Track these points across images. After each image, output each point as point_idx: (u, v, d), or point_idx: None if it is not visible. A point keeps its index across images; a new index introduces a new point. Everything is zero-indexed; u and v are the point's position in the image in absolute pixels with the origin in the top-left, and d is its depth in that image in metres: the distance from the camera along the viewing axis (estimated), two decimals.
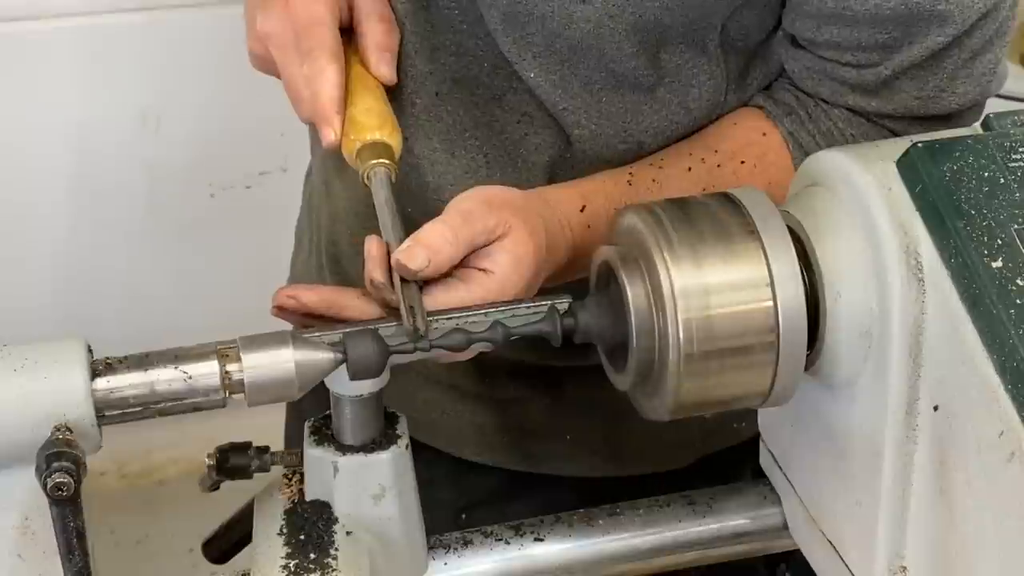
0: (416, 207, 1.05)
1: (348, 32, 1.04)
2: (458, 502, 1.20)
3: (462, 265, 0.90)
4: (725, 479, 1.06)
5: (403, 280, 0.87)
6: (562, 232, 0.97)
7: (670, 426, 1.18)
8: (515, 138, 1.07)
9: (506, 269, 0.90)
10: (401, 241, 0.90)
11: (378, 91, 1.02)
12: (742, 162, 1.04)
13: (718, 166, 1.04)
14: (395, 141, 0.99)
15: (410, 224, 0.91)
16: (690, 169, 1.04)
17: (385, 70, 1.03)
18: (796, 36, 1.05)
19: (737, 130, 1.07)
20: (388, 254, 0.89)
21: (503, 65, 1.05)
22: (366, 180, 0.97)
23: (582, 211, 0.99)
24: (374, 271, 0.89)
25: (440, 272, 0.88)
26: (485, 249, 0.90)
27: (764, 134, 1.06)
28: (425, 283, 0.89)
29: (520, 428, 1.22)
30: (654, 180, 1.03)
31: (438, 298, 0.88)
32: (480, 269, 0.90)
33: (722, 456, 1.24)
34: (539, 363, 1.17)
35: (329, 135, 0.98)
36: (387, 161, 0.97)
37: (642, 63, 1.02)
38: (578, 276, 0.98)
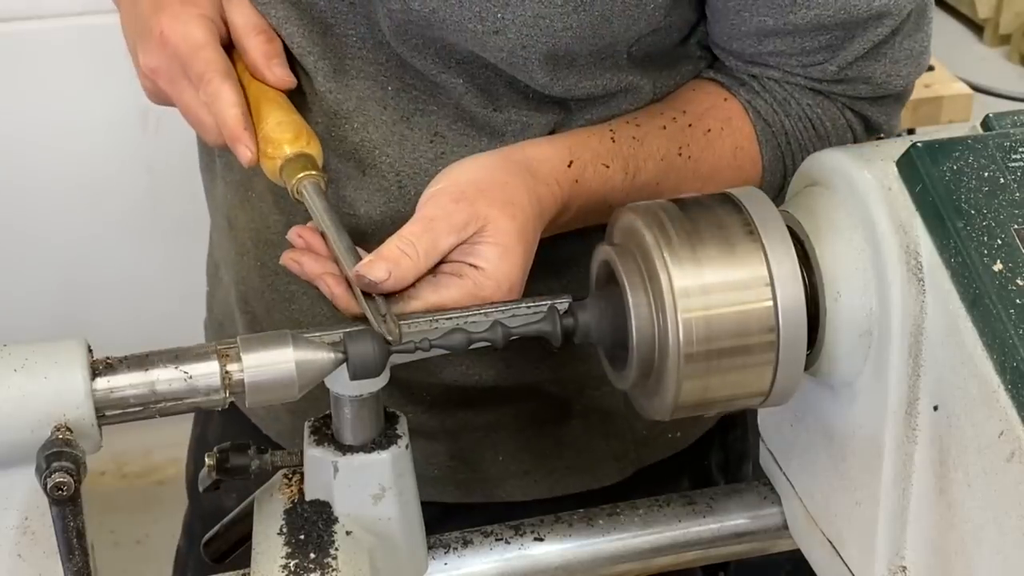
0: None
1: (231, 51, 1.03)
2: None
3: (453, 261, 0.90)
4: (663, 490, 1.04)
5: (366, 294, 0.88)
6: (550, 192, 0.96)
7: (603, 439, 1.17)
8: (429, 157, 1.05)
9: (495, 262, 0.90)
10: (349, 248, 0.91)
11: (284, 102, 1.01)
12: (709, 129, 1.04)
13: (689, 125, 1.04)
14: (315, 150, 0.98)
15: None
16: (664, 127, 1.03)
17: (279, 71, 1.01)
18: (734, 53, 1.05)
19: (698, 95, 1.06)
20: (346, 276, 0.90)
21: (407, 89, 1.04)
22: (296, 195, 0.96)
23: (569, 166, 0.98)
24: (349, 306, 0.90)
25: (404, 283, 0.88)
26: (469, 247, 0.90)
27: (725, 99, 1.06)
28: (414, 285, 0.89)
29: (452, 457, 1.17)
30: (634, 137, 1.02)
31: (428, 299, 0.89)
32: (470, 265, 0.90)
33: (659, 467, 1.21)
34: (463, 384, 1.13)
35: (245, 153, 0.97)
36: (313, 172, 0.96)
37: (558, 89, 1.01)
38: (570, 228, 0.99)
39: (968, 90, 1.96)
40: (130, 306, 2.44)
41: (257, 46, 1.02)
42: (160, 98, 1.05)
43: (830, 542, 0.93)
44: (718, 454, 1.27)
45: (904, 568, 0.86)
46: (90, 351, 0.82)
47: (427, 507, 1.12)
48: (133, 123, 2.32)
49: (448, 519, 1.02)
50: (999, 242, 0.79)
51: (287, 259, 0.94)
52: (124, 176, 2.36)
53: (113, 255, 2.43)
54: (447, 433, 1.16)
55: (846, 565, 0.91)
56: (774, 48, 1.02)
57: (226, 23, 1.03)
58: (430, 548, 0.96)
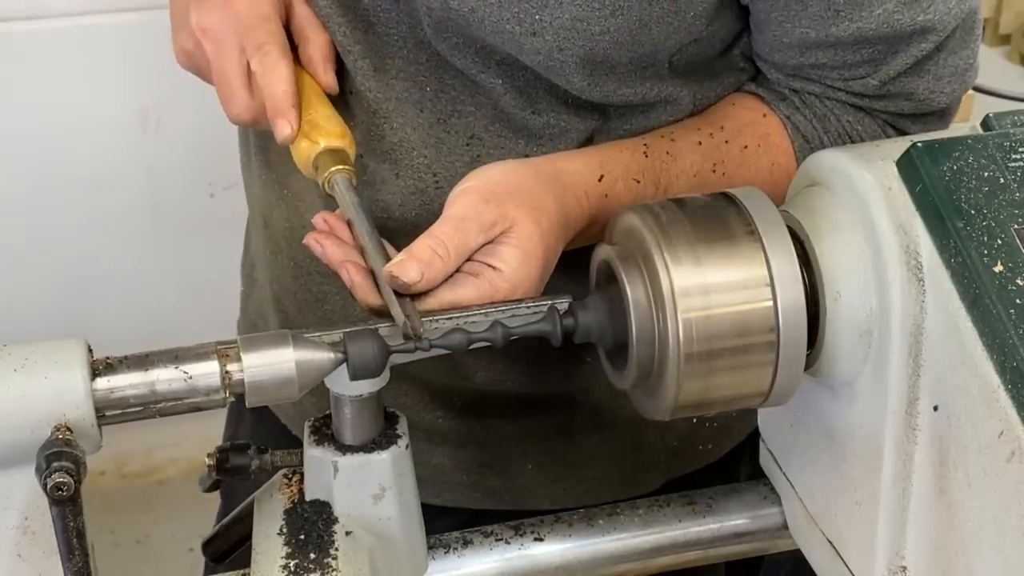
0: None
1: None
2: None
3: (472, 260, 0.90)
4: None
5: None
6: (578, 205, 0.96)
7: (633, 450, 1.17)
8: (466, 160, 1.05)
9: (515, 266, 0.90)
10: (376, 242, 0.91)
11: (327, 98, 1.02)
12: (745, 146, 1.04)
13: (726, 142, 1.03)
14: (351, 149, 0.99)
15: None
16: (700, 143, 1.03)
17: (332, 80, 1.03)
18: (776, 65, 1.04)
19: (737, 110, 1.06)
20: (370, 268, 0.90)
21: (445, 90, 1.04)
22: (327, 187, 0.96)
23: (600, 180, 0.98)
24: (367, 297, 0.89)
25: (434, 284, 0.88)
26: (492, 247, 0.90)
27: (764, 115, 1.05)
28: None
29: (481, 464, 1.17)
30: (668, 152, 1.02)
31: (443, 297, 0.88)
32: (490, 266, 0.90)
33: (689, 479, 1.19)
34: (494, 390, 1.13)
35: (285, 128, 0.98)
36: (346, 167, 0.97)
37: (596, 95, 1.01)
38: (597, 240, 0.97)
39: (968, 90, 1.96)
40: (130, 306, 2.44)
41: (321, 43, 1.03)
42: (191, 62, 1.04)
43: (830, 542, 0.93)
44: (748, 466, 1.25)
45: (904, 568, 0.86)
46: (90, 351, 0.82)
47: (454, 513, 1.14)
48: (133, 123, 2.32)
49: (475, 526, 1.01)
50: (999, 242, 0.79)
51: (310, 239, 0.94)
52: (124, 176, 2.36)
53: (113, 254, 2.43)
54: (477, 440, 1.16)
55: (846, 565, 0.91)
56: (816, 60, 1.01)
57: (287, 10, 1.03)
58: (430, 548, 0.96)
